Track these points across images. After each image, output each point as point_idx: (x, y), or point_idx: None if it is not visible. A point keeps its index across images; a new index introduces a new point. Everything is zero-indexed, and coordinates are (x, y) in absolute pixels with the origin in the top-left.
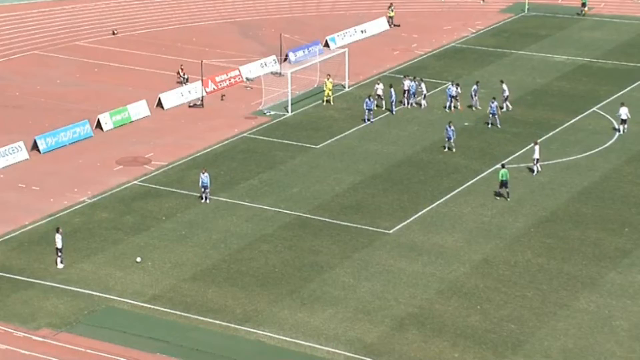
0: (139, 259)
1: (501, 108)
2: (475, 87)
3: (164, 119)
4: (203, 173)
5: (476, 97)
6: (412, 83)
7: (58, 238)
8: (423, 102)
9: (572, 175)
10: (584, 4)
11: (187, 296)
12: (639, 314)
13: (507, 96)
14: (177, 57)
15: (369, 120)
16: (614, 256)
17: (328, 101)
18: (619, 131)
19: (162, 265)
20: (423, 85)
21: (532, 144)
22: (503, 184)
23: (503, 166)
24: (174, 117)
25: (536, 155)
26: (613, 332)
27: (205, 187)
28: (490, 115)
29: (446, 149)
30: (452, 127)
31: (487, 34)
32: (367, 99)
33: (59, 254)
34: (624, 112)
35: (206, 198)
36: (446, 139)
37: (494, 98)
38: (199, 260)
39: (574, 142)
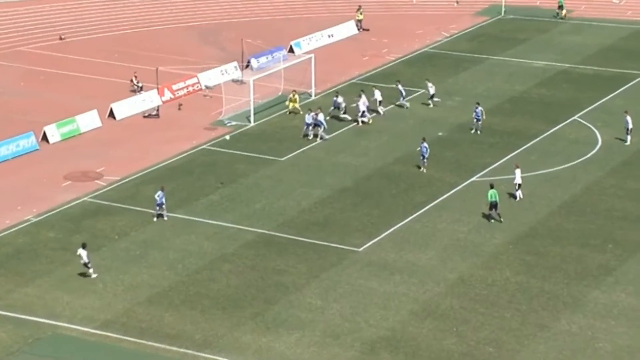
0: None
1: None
2: (399, 86)
3: (116, 130)
4: (160, 190)
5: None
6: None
7: (83, 254)
8: (380, 109)
9: (553, 187)
10: (560, 7)
11: (142, 321)
12: (623, 336)
13: (433, 94)
14: (130, 63)
15: (315, 136)
16: (597, 274)
17: (294, 112)
18: (625, 142)
19: (115, 288)
20: (400, 86)
21: (514, 167)
22: (493, 205)
23: (492, 186)
24: (127, 128)
25: (518, 180)
26: (596, 355)
27: (159, 206)
28: (475, 121)
29: (421, 169)
30: (426, 144)
31: (462, 39)
32: (307, 114)
33: (89, 266)
34: (629, 121)
35: (161, 216)
36: (421, 157)
37: (478, 103)
38: (154, 282)
39: (554, 153)
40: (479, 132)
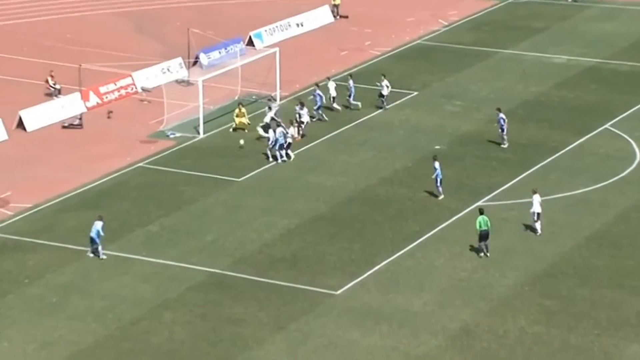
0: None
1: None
2: (350, 82)
3: (27, 144)
4: (98, 220)
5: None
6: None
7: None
8: (335, 106)
9: (579, 214)
10: None
11: None
12: None
13: (334, 97)
14: (45, 59)
15: (275, 158)
16: (637, 323)
17: (241, 128)
18: None
19: (25, 346)
20: (351, 82)
21: (531, 192)
22: (483, 236)
23: (481, 212)
24: (42, 142)
25: (536, 208)
26: None
27: (92, 240)
28: (500, 131)
29: (439, 196)
30: (438, 164)
31: (464, 28)
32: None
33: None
34: None
35: (95, 252)
36: (436, 183)
37: (499, 109)
38: (76, 338)
39: (580, 170)
40: (505, 144)
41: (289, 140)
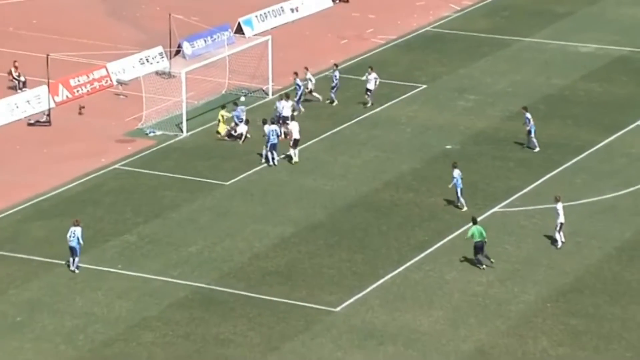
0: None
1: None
2: (335, 73)
3: None
4: (74, 226)
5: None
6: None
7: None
8: (315, 95)
9: (607, 222)
10: None
11: None
12: None
13: (312, 89)
14: (7, 48)
15: (266, 160)
16: None
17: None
18: None
19: None
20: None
21: (554, 200)
22: (478, 248)
23: (475, 221)
24: (4, 141)
25: (560, 218)
26: None
27: (72, 250)
28: (527, 134)
29: (462, 208)
30: (459, 172)
31: (478, 13)
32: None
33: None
34: None
35: (70, 265)
36: (456, 193)
37: (526, 108)
38: None
39: (609, 173)
40: (537, 148)
41: (276, 141)
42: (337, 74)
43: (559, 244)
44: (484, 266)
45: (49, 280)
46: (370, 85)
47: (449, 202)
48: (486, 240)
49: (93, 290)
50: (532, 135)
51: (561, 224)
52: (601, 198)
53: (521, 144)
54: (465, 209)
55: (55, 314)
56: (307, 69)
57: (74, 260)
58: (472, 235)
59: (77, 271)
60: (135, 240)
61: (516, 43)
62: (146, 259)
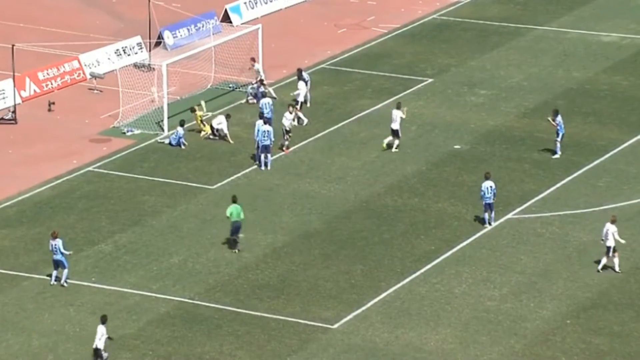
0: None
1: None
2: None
3: None
4: (53, 239)
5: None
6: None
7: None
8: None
9: (635, 230)
10: None
11: None
12: None
13: (262, 80)
14: None
15: (259, 164)
16: None
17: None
18: None
19: None
20: (258, 65)
21: (610, 220)
22: (236, 229)
23: (235, 200)
24: None
25: (610, 242)
26: None
27: (58, 263)
28: (556, 138)
29: (488, 224)
30: (492, 184)
31: None
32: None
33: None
34: None
35: (60, 279)
36: (483, 204)
37: (557, 111)
38: None
39: (636, 176)
40: (557, 155)
41: (267, 142)
42: (257, 65)
43: (617, 268)
44: (237, 250)
45: (14, 295)
46: (300, 98)
47: (456, 207)
48: (244, 220)
49: (64, 306)
50: (559, 139)
51: (613, 248)
52: (627, 203)
53: (535, 144)
54: (489, 227)
55: (21, 332)
56: (253, 60)
57: (61, 274)
58: (231, 215)
59: (66, 285)
60: (111, 251)
61: (532, 32)
62: (123, 271)
